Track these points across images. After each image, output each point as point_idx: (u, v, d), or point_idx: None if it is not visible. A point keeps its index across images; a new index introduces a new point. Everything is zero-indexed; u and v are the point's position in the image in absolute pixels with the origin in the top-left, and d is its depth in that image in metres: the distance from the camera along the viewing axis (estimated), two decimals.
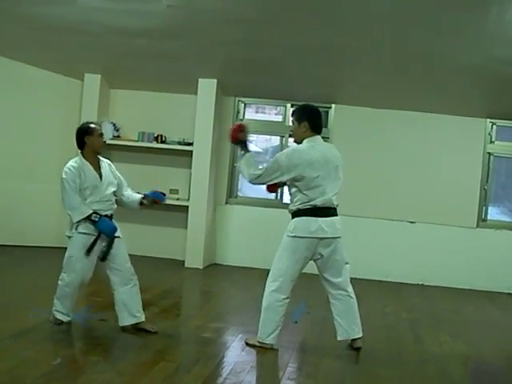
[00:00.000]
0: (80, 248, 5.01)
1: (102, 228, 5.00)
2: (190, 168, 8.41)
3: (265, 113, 10.88)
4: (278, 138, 9.11)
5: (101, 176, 5.14)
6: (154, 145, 8.57)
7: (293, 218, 4.93)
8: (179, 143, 8.51)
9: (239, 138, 5.01)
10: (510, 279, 8.27)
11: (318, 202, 4.81)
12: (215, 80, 8.28)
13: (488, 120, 8.44)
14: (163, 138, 8.55)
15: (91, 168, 5.11)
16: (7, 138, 8.54)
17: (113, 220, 5.16)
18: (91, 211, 4.97)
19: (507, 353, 5.68)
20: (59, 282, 5.10)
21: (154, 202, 5.34)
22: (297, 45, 6.82)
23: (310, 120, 4.93)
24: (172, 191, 8.71)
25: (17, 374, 4.00)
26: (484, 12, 5.61)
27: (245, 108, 9.03)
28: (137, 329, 5.15)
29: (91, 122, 5.35)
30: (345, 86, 8.28)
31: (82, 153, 5.19)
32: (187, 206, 8.37)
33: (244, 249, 8.68)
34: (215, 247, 8.79)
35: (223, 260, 8.76)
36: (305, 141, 4.92)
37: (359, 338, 5.12)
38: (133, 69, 8.26)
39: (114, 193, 5.23)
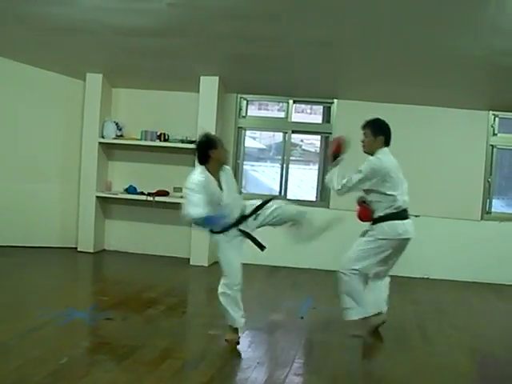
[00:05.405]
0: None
1: (214, 224, 4.86)
2: (194, 166, 8.36)
3: (267, 109, 10.90)
4: (281, 134, 9.10)
5: (221, 188, 5.01)
6: (157, 143, 8.56)
7: (377, 222, 5.30)
8: (182, 141, 8.50)
9: (338, 152, 5.39)
10: None
11: (399, 205, 5.30)
12: (217, 77, 8.28)
13: (490, 112, 8.40)
14: (166, 137, 8.55)
15: (216, 184, 4.99)
16: (10, 139, 8.55)
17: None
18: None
19: None
20: None
21: None
22: (298, 40, 6.81)
23: (386, 135, 5.40)
24: (175, 189, 8.71)
25: (24, 373, 4.03)
26: (484, 3, 5.60)
27: (247, 105, 9.02)
28: None
29: (210, 134, 5.25)
30: (347, 80, 8.26)
31: (205, 166, 5.04)
32: None
33: (248, 246, 8.66)
34: None
35: None
36: (379, 151, 5.33)
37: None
38: (134, 68, 8.25)
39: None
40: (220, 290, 5.00)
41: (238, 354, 4.82)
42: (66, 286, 6.96)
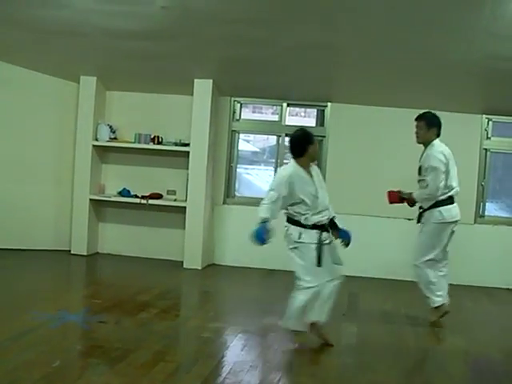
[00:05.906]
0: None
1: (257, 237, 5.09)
2: (187, 169, 8.41)
3: (261, 112, 10.89)
4: (275, 137, 9.09)
5: (313, 182, 5.07)
6: (151, 146, 8.55)
7: (431, 208, 5.99)
8: (176, 144, 8.50)
9: (399, 200, 6.24)
10: (508, 275, 8.26)
11: (453, 191, 6.00)
12: (211, 80, 8.28)
13: (484, 116, 8.42)
14: (160, 139, 8.54)
15: (308, 176, 5.05)
16: (4, 141, 8.50)
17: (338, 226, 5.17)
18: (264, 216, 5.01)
19: (506, 348, 5.68)
20: None
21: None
22: (292, 43, 6.82)
23: (439, 127, 6.01)
24: (169, 192, 8.71)
25: (17, 376, 4.01)
26: (479, 8, 5.62)
27: (241, 108, 9.01)
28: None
29: (306, 128, 5.25)
30: (341, 84, 8.27)
31: (297, 160, 5.08)
32: (185, 207, 8.36)
33: (242, 249, 8.64)
34: (213, 248, 8.78)
35: (221, 260, 8.75)
36: (434, 143, 5.96)
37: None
38: (128, 70, 8.24)
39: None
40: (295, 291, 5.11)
41: (231, 357, 4.81)
42: (59, 289, 6.94)
